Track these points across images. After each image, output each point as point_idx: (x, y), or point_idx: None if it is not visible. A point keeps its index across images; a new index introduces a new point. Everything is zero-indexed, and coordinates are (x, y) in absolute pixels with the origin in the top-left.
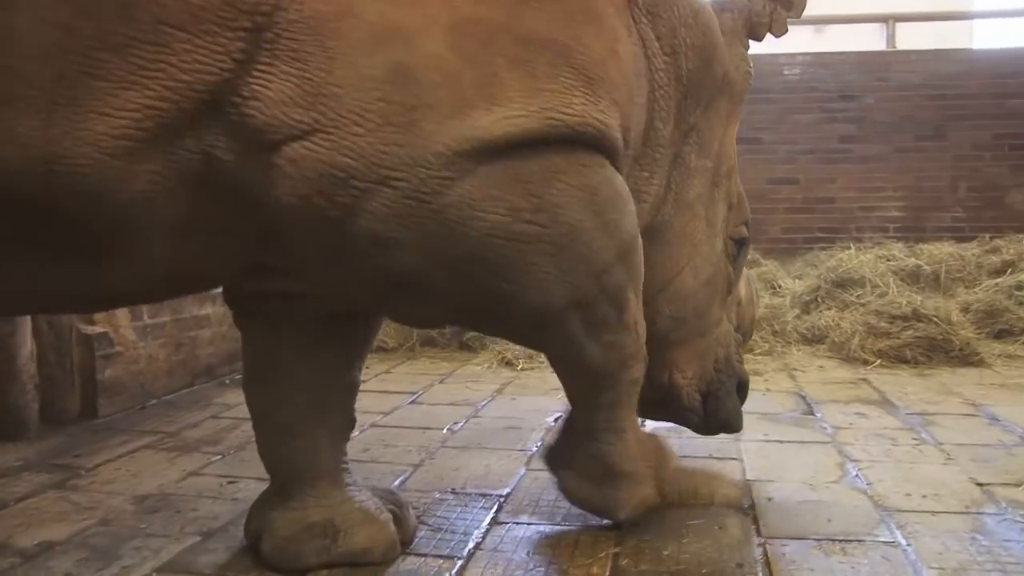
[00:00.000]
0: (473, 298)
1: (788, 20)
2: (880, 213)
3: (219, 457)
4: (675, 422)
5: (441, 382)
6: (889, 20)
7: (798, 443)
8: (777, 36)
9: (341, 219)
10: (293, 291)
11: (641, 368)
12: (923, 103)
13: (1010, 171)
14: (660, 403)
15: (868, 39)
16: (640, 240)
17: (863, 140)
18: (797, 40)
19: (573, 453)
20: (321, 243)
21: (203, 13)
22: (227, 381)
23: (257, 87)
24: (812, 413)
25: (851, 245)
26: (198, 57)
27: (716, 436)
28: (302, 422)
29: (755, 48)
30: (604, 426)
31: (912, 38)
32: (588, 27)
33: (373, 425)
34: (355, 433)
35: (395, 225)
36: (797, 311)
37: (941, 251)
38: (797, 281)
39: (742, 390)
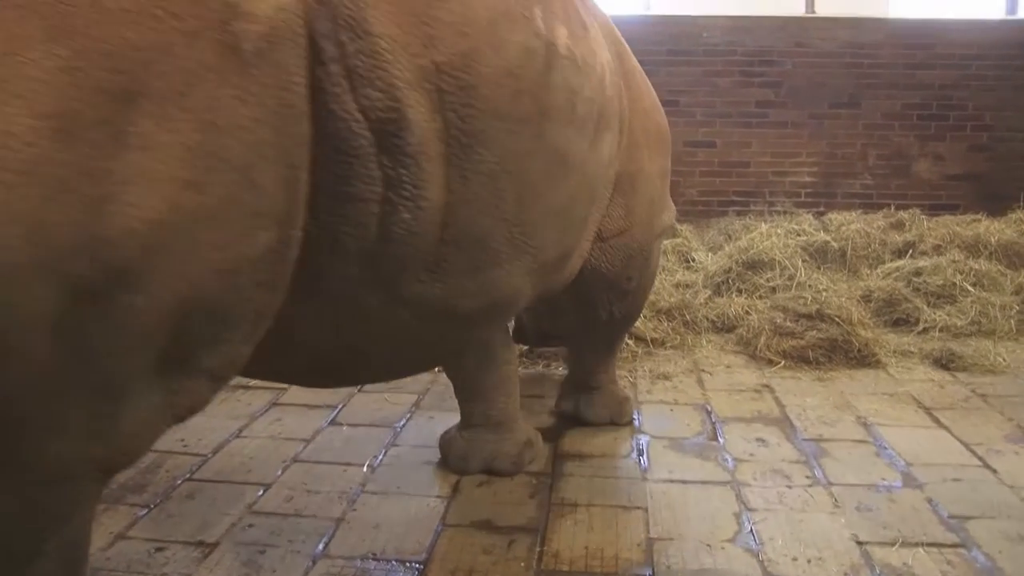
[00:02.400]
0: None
1: None
2: (793, 179)
3: (145, 512)
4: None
5: (360, 390)
6: None
7: (700, 484)
8: None
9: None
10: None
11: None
12: (839, 70)
13: (917, 141)
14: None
15: (788, 1)
16: None
17: (780, 105)
18: (718, 2)
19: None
20: (604, 281)
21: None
22: None
23: (605, 221)
24: (716, 438)
25: (764, 210)
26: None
27: (627, 479)
28: None
29: (676, 9)
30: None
31: (830, 2)
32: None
33: (296, 460)
34: (278, 472)
35: (635, 259)
36: (709, 292)
37: (849, 227)
38: (710, 256)
39: None
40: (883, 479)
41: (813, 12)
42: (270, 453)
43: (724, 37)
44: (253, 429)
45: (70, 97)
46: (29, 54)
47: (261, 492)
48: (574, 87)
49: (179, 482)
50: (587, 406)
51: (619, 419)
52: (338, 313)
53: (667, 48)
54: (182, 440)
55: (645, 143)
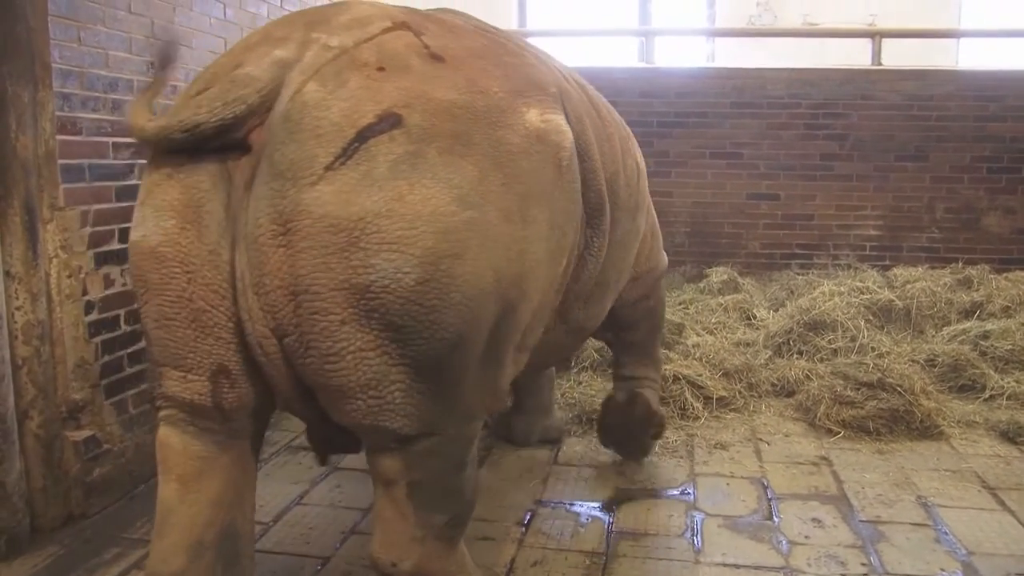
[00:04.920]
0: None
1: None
2: (858, 232)
3: None
4: None
5: None
6: (875, 36)
7: (753, 569)
8: None
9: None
10: None
11: None
12: (905, 123)
13: (987, 194)
14: None
15: (854, 51)
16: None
17: (844, 158)
18: (781, 52)
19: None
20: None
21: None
22: None
23: (643, 264)
24: (771, 517)
25: (828, 264)
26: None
27: (680, 561)
28: None
29: (741, 62)
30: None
31: (898, 53)
32: None
33: (354, 531)
34: (336, 545)
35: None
36: (769, 352)
37: (914, 285)
38: (772, 314)
39: None
40: (942, 569)
41: (880, 64)
42: (329, 523)
43: (789, 89)
44: (313, 496)
45: (505, 198)
46: (493, 178)
47: (319, 567)
48: (644, 187)
49: None
50: (527, 432)
51: (555, 437)
52: None
53: (731, 100)
54: None
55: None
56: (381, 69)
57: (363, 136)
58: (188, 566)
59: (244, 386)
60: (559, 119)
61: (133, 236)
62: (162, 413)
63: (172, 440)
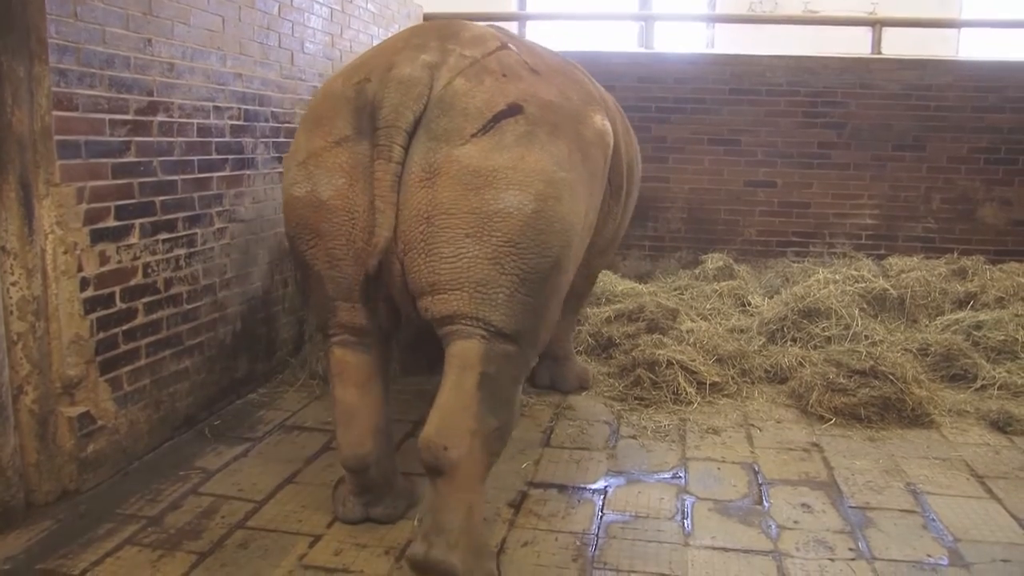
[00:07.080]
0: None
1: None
2: (854, 220)
3: (200, 560)
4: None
5: (413, 435)
6: (876, 24)
7: (742, 553)
8: None
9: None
10: None
11: None
12: (904, 112)
13: (983, 185)
14: None
15: (854, 39)
16: None
17: (842, 147)
18: (781, 39)
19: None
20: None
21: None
22: (207, 432)
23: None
24: (761, 501)
25: (824, 252)
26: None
27: (670, 543)
28: None
29: (740, 48)
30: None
31: (898, 42)
32: None
33: None
34: (328, 522)
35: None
36: (763, 339)
37: (909, 275)
38: (766, 301)
39: None
40: (929, 555)
41: (879, 53)
42: (321, 502)
43: (787, 77)
44: (305, 475)
45: (580, 171)
46: (576, 156)
47: (311, 543)
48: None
49: (234, 530)
50: (560, 378)
51: (587, 385)
52: None
53: (730, 87)
54: (237, 484)
55: None
56: (504, 76)
57: (497, 118)
58: (374, 446)
59: (391, 309)
60: (608, 124)
61: (296, 192)
62: (336, 339)
63: (349, 358)
